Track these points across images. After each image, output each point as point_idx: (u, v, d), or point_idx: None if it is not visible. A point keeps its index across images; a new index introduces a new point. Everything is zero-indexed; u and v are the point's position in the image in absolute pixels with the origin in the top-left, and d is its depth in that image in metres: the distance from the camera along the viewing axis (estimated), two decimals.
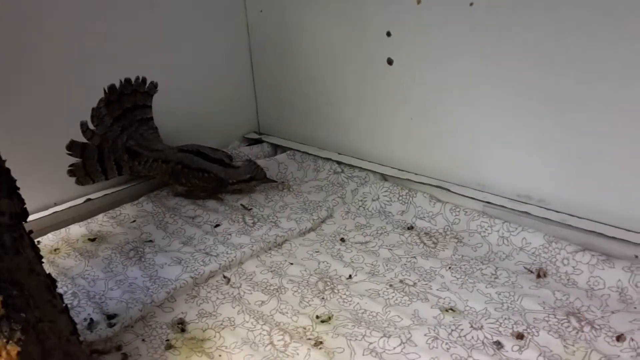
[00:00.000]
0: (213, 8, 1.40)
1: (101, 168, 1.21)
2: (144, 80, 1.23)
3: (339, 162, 1.37)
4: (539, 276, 0.96)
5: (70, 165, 1.19)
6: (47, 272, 0.71)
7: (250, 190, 1.30)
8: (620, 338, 0.80)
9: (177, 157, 1.26)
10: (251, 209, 1.26)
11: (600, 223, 0.98)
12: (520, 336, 0.82)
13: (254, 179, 1.28)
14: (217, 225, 1.19)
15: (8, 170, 0.68)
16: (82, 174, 1.20)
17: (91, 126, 1.18)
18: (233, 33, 1.47)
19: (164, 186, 1.34)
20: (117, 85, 1.19)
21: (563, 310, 0.87)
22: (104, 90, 1.18)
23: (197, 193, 1.31)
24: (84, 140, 1.18)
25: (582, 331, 0.82)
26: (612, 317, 0.84)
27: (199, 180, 1.26)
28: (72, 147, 1.17)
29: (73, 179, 1.20)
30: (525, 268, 0.99)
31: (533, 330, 0.83)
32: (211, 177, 1.26)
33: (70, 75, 1.18)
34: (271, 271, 1.03)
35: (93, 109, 1.18)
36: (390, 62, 1.20)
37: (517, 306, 0.89)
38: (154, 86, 1.25)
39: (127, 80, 1.20)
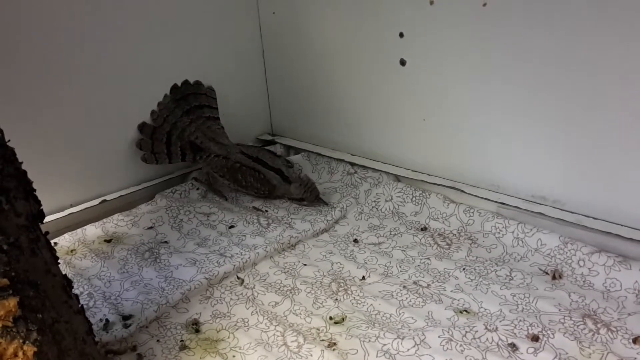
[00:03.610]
0: (226, 10, 1.40)
1: (167, 151, 1.30)
2: (199, 82, 1.36)
3: (352, 163, 1.37)
4: (554, 278, 0.96)
5: (140, 139, 1.29)
6: (64, 273, 0.72)
7: (302, 206, 1.29)
8: (637, 340, 0.79)
9: (237, 157, 1.30)
10: (267, 210, 1.26)
11: (617, 224, 0.97)
12: (535, 338, 0.81)
13: (304, 200, 1.27)
14: (231, 227, 1.19)
15: (24, 172, 0.69)
16: (148, 150, 1.29)
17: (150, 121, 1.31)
18: (246, 35, 1.47)
19: (177, 185, 1.36)
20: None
21: (579, 312, 0.86)
22: (170, 90, 1.32)
23: (221, 191, 1.33)
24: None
25: (598, 333, 0.81)
26: (629, 319, 0.84)
27: (255, 180, 1.29)
28: (144, 128, 1.29)
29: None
30: (540, 269, 0.98)
31: (548, 332, 0.82)
32: (266, 179, 1.28)
33: (85, 78, 1.19)
34: (285, 272, 1.03)
35: (160, 103, 1.31)
36: (403, 62, 1.19)
37: (532, 308, 0.88)
38: (211, 89, 1.38)
39: (185, 82, 1.34)
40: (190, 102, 1.33)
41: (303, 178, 1.30)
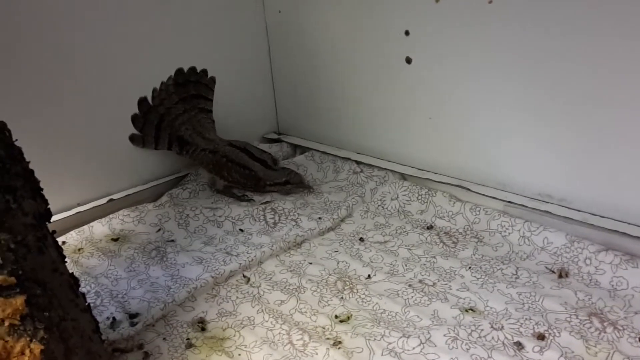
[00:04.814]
0: (232, 9, 1.41)
1: (156, 136, 1.30)
2: (205, 71, 1.32)
3: (358, 162, 1.37)
4: (560, 276, 0.95)
5: (135, 114, 1.28)
6: (71, 271, 0.72)
7: (286, 193, 1.31)
8: None
9: (224, 150, 1.30)
10: (272, 200, 1.27)
11: (624, 222, 0.97)
12: (541, 337, 0.81)
13: (289, 182, 1.29)
14: (241, 230, 1.19)
15: (32, 171, 0.70)
16: (139, 128, 1.29)
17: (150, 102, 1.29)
18: (252, 34, 1.47)
19: (186, 183, 1.36)
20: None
21: (585, 311, 0.85)
22: (175, 72, 1.28)
23: (234, 192, 1.33)
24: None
25: (605, 332, 0.81)
26: (636, 317, 0.83)
27: (240, 176, 1.29)
28: (142, 104, 1.27)
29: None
30: (546, 268, 0.98)
31: (554, 330, 0.82)
32: (251, 174, 1.29)
33: (92, 78, 1.19)
34: (290, 271, 1.03)
35: (162, 84, 1.28)
36: (408, 61, 1.19)
37: (538, 306, 0.88)
38: (212, 80, 1.34)
39: (192, 68, 1.31)
40: (189, 90, 1.32)
41: (285, 167, 1.35)
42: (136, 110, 1.27)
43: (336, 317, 0.90)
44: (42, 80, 1.12)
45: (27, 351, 0.56)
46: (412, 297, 0.93)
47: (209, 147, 1.30)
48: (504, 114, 1.08)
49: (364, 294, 0.95)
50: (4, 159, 0.64)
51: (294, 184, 1.30)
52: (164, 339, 0.87)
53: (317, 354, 0.81)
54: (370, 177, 1.32)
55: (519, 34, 1.00)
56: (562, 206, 1.05)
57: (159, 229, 1.19)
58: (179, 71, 1.29)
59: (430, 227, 1.14)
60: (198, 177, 1.38)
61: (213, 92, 1.35)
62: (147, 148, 1.31)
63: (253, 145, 1.36)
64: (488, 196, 1.13)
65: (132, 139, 1.29)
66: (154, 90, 1.27)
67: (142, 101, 1.27)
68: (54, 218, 0.74)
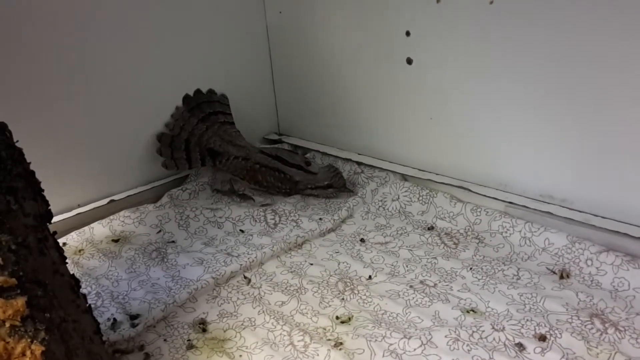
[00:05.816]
0: (232, 10, 1.41)
1: (187, 157, 1.32)
2: (212, 90, 1.39)
3: (358, 163, 1.37)
4: (562, 277, 0.95)
5: (159, 147, 1.31)
6: (72, 272, 0.72)
7: (328, 197, 1.30)
8: None
9: (256, 157, 1.31)
10: (272, 203, 1.27)
11: (625, 223, 0.97)
12: (542, 338, 0.81)
13: (331, 186, 1.28)
14: (242, 231, 1.19)
15: (33, 172, 0.70)
16: (168, 157, 1.32)
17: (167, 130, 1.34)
18: (252, 35, 1.47)
19: (186, 183, 1.37)
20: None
21: (586, 312, 0.85)
22: (182, 100, 1.34)
23: (235, 190, 1.33)
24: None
25: (606, 333, 0.81)
26: (637, 318, 0.83)
27: (275, 180, 1.30)
28: (162, 137, 1.31)
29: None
30: (547, 269, 0.98)
31: (556, 332, 0.82)
32: (287, 177, 1.30)
33: (94, 80, 1.19)
34: (291, 272, 1.03)
35: (173, 115, 1.33)
36: (409, 61, 1.19)
37: (539, 307, 0.88)
38: (224, 97, 1.40)
39: (198, 91, 1.36)
40: (204, 110, 1.35)
41: (329, 165, 1.33)
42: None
43: (337, 318, 0.90)
44: (43, 81, 1.12)
45: (28, 352, 0.56)
46: (413, 298, 0.93)
47: (241, 154, 1.31)
48: (505, 114, 1.07)
49: (365, 295, 0.95)
50: (5, 160, 0.65)
51: (337, 187, 1.28)
52: (165, 340, 0.87)
53: (318, 355, 0.81)
54: (371, 178, 1.32)
55: (520, 34, 1.00)
56: (564, 207, 1.04)
57: (160, 230, 1.19)
58: (186, 97, 1.33)
59: (431, 228, 1.14)
60: (198, 178, 1.38)
61: (229, 106, 1.38)
62: (182, 170, 1.35)
63: (283, 149, 1.37)
64: (489, 197, 1.13)
65: (166, 165, 1.31)
66: (168, 124, 1.32)
67: (161, 136, 1.30)
68: (54, 219, 0.74)
